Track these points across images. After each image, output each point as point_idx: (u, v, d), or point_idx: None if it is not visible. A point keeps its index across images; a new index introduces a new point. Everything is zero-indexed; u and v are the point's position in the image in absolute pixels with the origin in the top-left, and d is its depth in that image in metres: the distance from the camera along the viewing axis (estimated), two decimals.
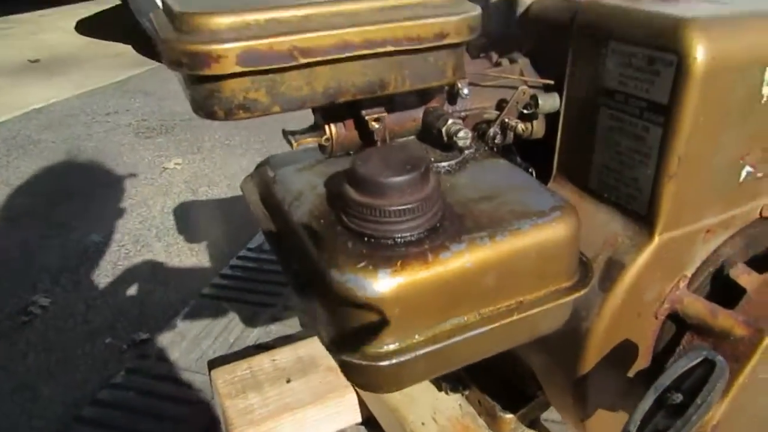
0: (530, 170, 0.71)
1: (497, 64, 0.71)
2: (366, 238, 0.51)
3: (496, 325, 0.53)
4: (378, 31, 0.51)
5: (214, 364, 1.22)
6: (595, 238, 0.63)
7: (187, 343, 1.31)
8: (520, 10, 0.71)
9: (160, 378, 1.21)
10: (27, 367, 1.25)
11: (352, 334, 0.51)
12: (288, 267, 0.61)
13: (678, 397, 0.53)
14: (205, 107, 0.51)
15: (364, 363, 0.50)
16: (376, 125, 0.60)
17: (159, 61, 3.67)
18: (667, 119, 0.54)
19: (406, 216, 0.49)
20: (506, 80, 0.68)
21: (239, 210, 1.91)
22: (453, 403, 0.92)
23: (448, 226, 0.52)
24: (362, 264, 0.49)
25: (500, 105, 0.68)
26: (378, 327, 0.50)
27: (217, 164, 2.28)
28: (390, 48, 0.52)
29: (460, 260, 0.50)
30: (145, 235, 1.77)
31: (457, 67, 0.57)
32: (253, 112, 0.52)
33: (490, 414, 0.89)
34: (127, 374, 1.22)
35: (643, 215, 0.59)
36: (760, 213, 0.66)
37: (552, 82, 0.67)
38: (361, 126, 0.62)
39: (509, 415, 0.87)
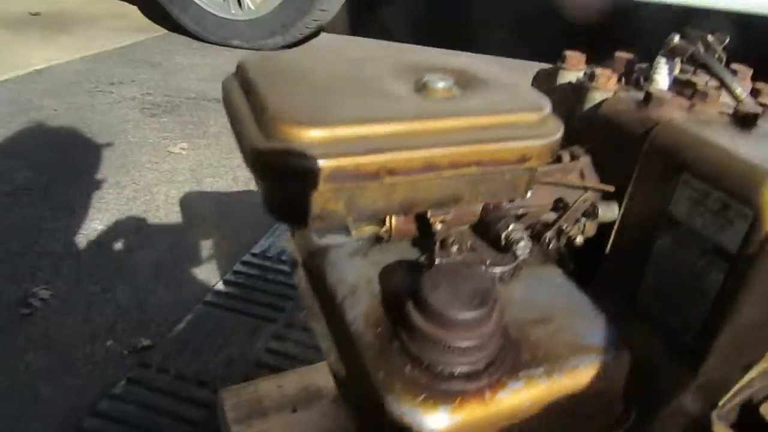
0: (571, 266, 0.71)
1: (557, 158, 0.71)
2: (424, 364, 0.50)
3: None
4: (464, 154, 0.50)
5: (218, 384, 1.22)
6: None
7: (188, 355, 1.30)
8: (588, 105, 0.70)
9: (161, 391, 1.20)
10: (27, 365, 1.23)
11: None
12: (329, 357, 0.61)
13: None
14: (281, 212, 0.51)
15: None
16: (439, 226, 0.60)
17: (167, 28, 3.60)
18: (732, 268, 0.54)
19: (469, 352, 0.49)
20: (566, 179, 0.68)
21: (243, 207, 1.90)
22: None
23: (505, 356, 0.52)
24: (421, 397, 0.49)
25: (557, 204, 0.68)
26: None
27: (222, 152, 2.25)
28: (474, 169, 0.51)
29: (516, 398, 0.50)
30: (148, 227, 1.75)
31: (529, 184, 0.57)
32: (329, 221, 0.51)
33: None
34: (128, 384, 1.21)
35: (690, 347, 0.60)
36: None
37: (612, 189, 0.67)
38: (423, 222, 0.61)
39: None
